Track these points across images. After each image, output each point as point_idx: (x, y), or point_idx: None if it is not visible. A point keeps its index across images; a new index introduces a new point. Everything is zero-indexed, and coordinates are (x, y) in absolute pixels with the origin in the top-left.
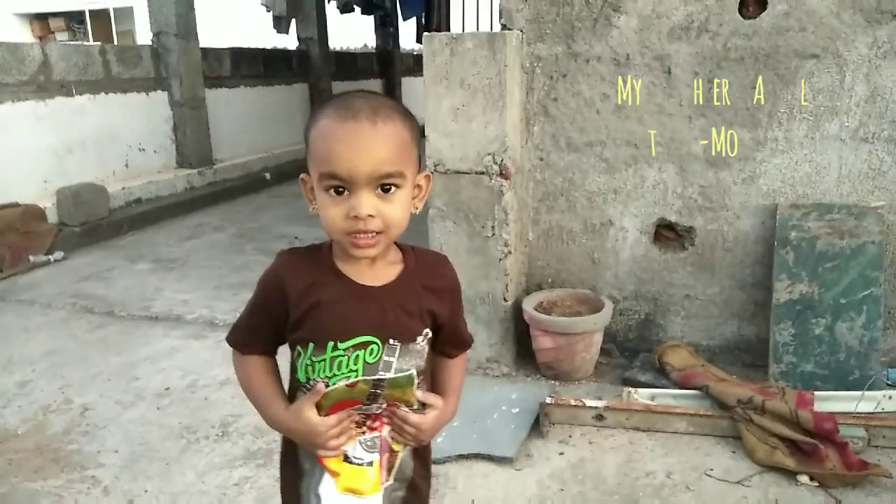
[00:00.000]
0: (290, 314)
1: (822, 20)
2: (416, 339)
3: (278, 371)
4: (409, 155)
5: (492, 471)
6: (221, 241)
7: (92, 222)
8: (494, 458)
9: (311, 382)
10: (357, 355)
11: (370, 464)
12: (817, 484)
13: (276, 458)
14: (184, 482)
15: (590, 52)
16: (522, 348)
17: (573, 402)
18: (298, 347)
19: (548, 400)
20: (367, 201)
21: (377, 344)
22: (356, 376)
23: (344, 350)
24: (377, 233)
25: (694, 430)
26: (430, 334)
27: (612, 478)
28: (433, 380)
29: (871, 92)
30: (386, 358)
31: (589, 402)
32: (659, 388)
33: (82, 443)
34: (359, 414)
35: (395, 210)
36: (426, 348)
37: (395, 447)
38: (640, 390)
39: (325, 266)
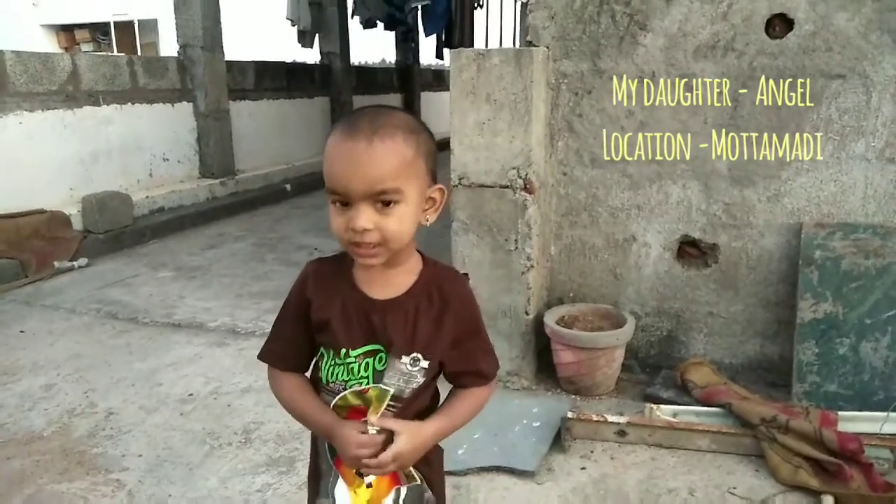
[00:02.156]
0: (312, 318)
1: (849, 41)
2: (401, 357)
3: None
4: (410, 170)
5: (513, 484)
6: (242, 251)
7: (116, 230)
8: (516, 472)
9: (331, 385)
10: (367, 362)
11: (369, 485)
12: None
13: (299, 465)
14: (207, 487)
15: (615, 69)
16: (543, 362)
17: (595, 418)
18: (322, 350)
19: (569, 414)
20: (364, 215)
21: (384, 353)
22: (367, 383)
23: (355, 357)
24: (376, 244)
25: (717, 447)
26: (424, 363)
27: (635, 494)
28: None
29: None
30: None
31: (611, 418)
32: (681, 405)
33: (107, 446)
34: None
35: (394, 224)
36: (417, 378)
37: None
38: (662, 407)
39: (344, 276)
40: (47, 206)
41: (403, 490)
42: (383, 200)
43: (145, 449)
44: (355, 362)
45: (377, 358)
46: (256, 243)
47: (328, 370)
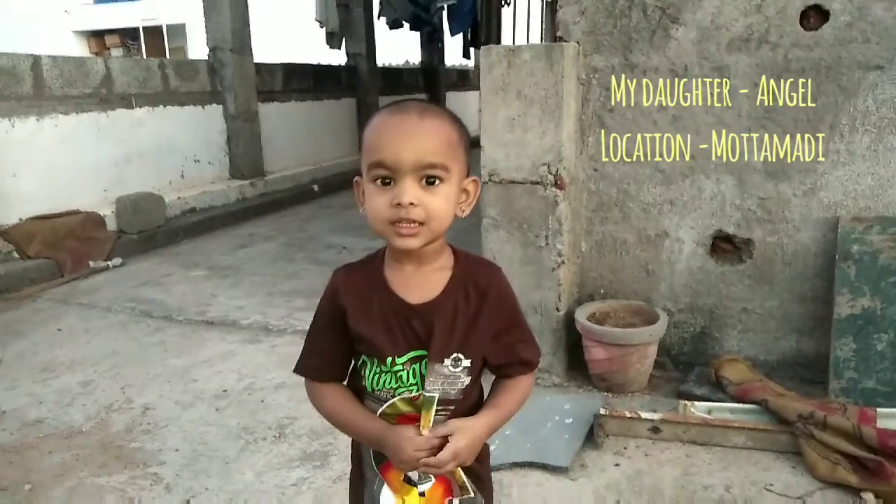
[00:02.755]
0: (349, 328)
1: (886, 31)
2: (443, 361)
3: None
4: (455, 152)
5: (546, 479)
6: (272, 250)
7: (149, 230)
8: (549, 468)
9: (378, 392)
10: (413, 369)
11: (422, 494)
12: (882, 501)
13: (332, 460)
14: (243, 481)
15: (647, 64)
16: (573, 359)
17: (628, 414)
18: (364, 358)
19: (602, 411)
20: (410, 189)
21: (426, 358)
22: (416, 390)
23: (402, 364)
24: (419, 223)
25: (752, 444)
26: (466, 362)
27: (670, 491)
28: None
29: None
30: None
31: (644, 415)
32: (715, 401)
33: (144, 441)
34: None
35: (438, 202)
36: (461, 378)
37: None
38: (696, 403)
39: (376, 281)
40: (82, 207)
41: (455, 502)
42: (429, 176)
43: (181, 443)
44: (403, 370)
45: (423, 364)
46: (286, 243)
47: (373, 378)
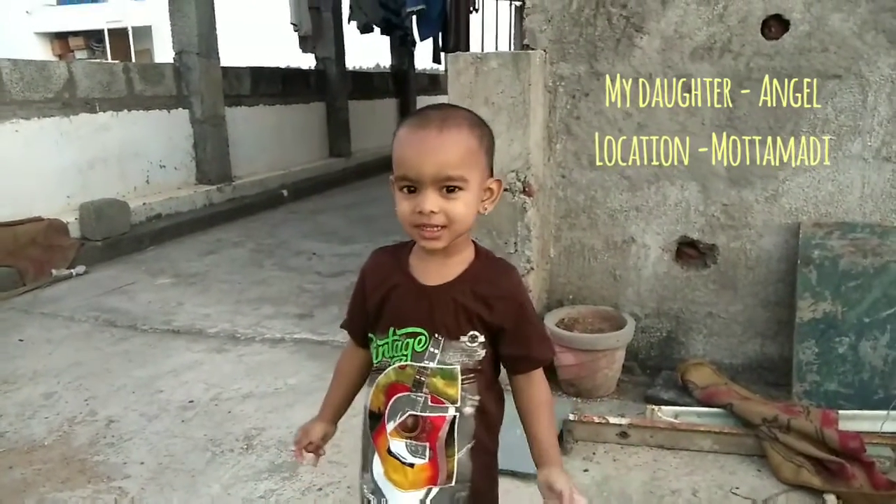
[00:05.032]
0: (367, 305)
1: (844, 41)
2: (459, 338)
3: (363, 371)
4: (474, 160)
5: (515, 487)
6: (241, 257)
7: (113, 237)
8: (518, 475)
9: (378, 364)
10: (407, 342)
11: (411, 465)
12: (843, 503)
13: (301, 471)
14: (210, 494)
15: (612, 72)
16: None
17: (597, 420)
18: (371, 334)
19: (571, 417)
20: (431, 199)
21: (424, 335)
22: (405, 360)
23: (399, 336)
24: (441, 227)
25: (719, 448)
26: (481, 338)
27: (638, 496)
28: (522, 421)
29: (894, 112)
30: (431, 349)
31: (612, 420)
32: (682, 405)
33: (108, 454)
34: (411, 417)
35: (458, 207)
36: (479, 351)
37: (450, 452)
38: (663, 408)
39: (400, 264)
40: (45, 213)
41: (434, 490)
42: (448, 186)
43: (147, 456)
44: (399, 340)
45: (417, 340)
46: (254, 249)
47: (376, 350)
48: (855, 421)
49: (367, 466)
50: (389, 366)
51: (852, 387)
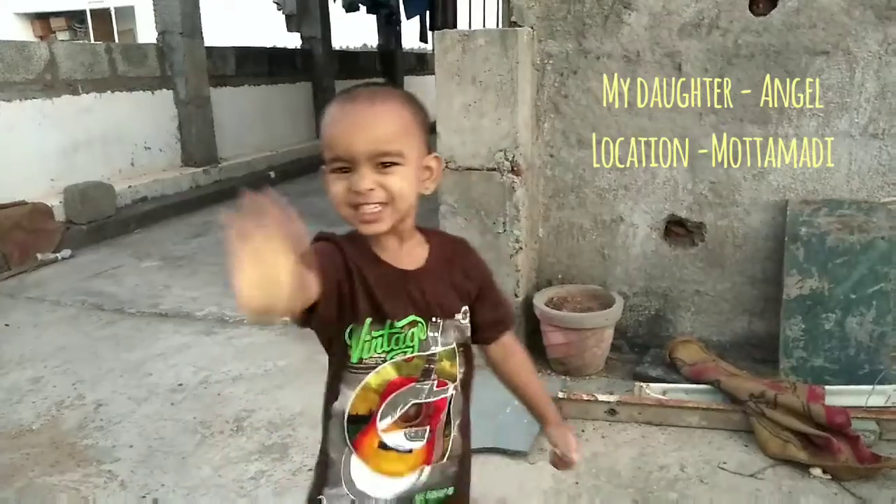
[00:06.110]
0: (341, 283)
1: (832, 17)
2: (454, 316)
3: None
4: (410, 134)
5: (506, 464)
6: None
7: (99, 220)
8: (508, 452)
9: (365, 361)
10: (412, 332)
11: (410, 451)
12: (830, 477)
13: (291, 452)
14: (200, 476)
15: (600, 49)
16: (533, 344)
17: (585, 397)
18: (352, 325)
19: (560, 395)
20: (366, 176)
21: (422, 322)
22: (412, 352)
23: (401, 328)
24: (381, 204)
25: (706, 424)
26: (468, 310)
27: (626, 472)
28: (513, 388)
29: (881, 88)
30: (432, 334)
31: (601, 397)
32: (670, 383)
33: (97, 438)
34: (413, 407)
35: (396, 181)
36: (467, 325)
37: (448, 431)
38: (651, 385)
39: (366, 251)
40: (28, 197)
41: (427, 469)
42: (384, 162)
43: (136, 439)
44: (401, 332)
45: (419, 327)
46: None
47: (363, 346)
48: (841, 396)
49: (337, 480)
50: (385, 361)
51: (838, 362)
